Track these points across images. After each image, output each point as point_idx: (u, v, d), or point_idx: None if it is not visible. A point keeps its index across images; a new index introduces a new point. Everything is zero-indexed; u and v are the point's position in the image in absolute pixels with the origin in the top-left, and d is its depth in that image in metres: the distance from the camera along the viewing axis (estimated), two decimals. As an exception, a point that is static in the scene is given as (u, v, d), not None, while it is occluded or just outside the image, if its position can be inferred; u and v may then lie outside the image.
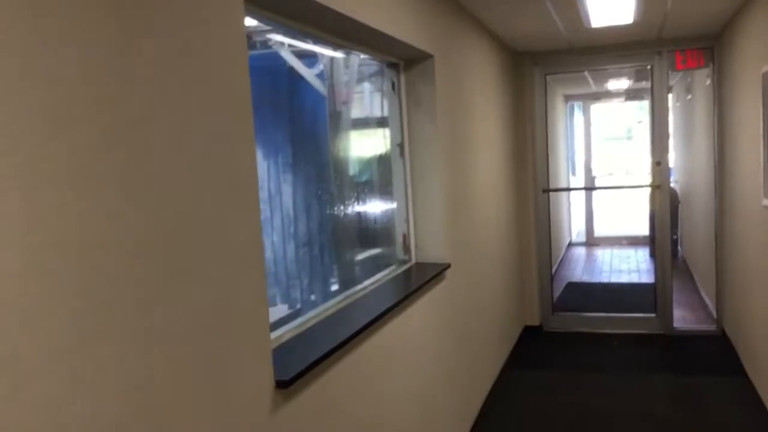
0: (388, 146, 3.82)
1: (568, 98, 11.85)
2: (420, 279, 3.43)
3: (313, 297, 4.08)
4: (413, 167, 3.77)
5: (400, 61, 3.67)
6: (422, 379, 3.38)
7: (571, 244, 11.71)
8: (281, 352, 2.15)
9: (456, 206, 4.06)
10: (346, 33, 2.92)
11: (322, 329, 2.54)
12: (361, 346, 2.61)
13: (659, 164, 6.22)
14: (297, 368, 1.94)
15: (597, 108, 12.96)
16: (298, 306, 4.73)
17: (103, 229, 1.31)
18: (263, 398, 1.82)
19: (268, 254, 5.86)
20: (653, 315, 6.39)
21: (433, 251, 3.81)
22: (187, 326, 1.55)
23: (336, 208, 3.86)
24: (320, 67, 5.62)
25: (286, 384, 1.85)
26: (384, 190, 3.92)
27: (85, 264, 1.26)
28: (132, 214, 1.39)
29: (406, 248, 3.79)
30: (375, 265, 3.67)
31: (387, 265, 3.72)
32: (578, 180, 12.48)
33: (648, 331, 6.34)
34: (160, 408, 1.45)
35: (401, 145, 3.74)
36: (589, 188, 12.04)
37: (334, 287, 3.64)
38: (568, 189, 11.89)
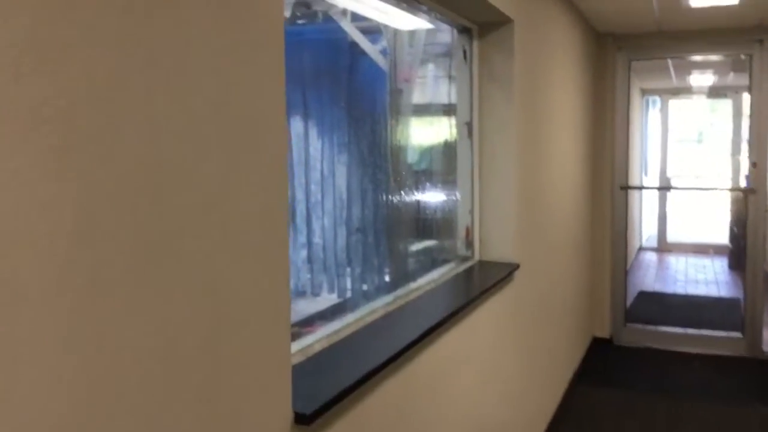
0: (453, 130, 3.31)
1: (644, 92, 11.08)
2: (485, 280, 2.92)
3: (364, 287, 3.74)
4: (482, 150, 3.25)
5: (473, 26, 3.15)
6: (482, 400, 2.86)
7: (641, 249, 10.96)
8: (308, 370, 1.66)
9: (528, 198, 3.52)
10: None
11: (365, 338, 2.05)
12: (412, 362, 2.10)
13: (755, 165, 5.53)
14: (325, 396, 1.45)
15: (675, 104, 12.10)
16: (348, 296, 4.45)
17: (30, 190, 0.83)
18: (274, 439, 1.33)
19: (317, 239, 5.48)
20: (739, 335, 5.70)
21: (500, 248, 3.27)
22: (164, 336, 1.07)
23: (392, 195, 3.41)
24: (383, 43, 5.20)
25: (308, 419, 1.37)
26: (445, 180, 3.44)
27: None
28: (76, 166, 0.91)
29: (469, 243, 3.27)
30: (432, 260, 3.16)
31: (446, 261, 3.21)
32: (652, 181, 11.70)
33: (733, 353, 5.66)
34: (110, 459, 0.97)
35: (470, 125, 3.22)
36: (673, 188, 11.26)
37: (386, 278, 3.18)
38: (649, 187, 11.08)
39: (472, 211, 3.25)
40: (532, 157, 3.58)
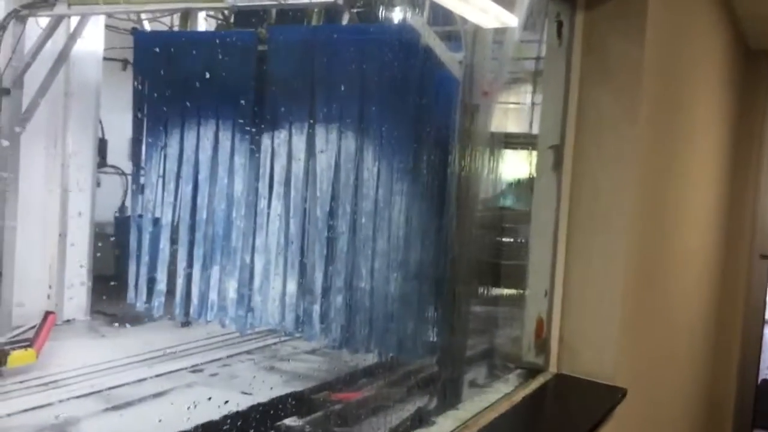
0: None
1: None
2: (568, 422, 1.62)
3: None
4: (576, 192, 1.95)
5: (578, -14, 1.88)
6: None
7: (765, 322, 9.16)
8: None
9: (646, 275, 2.20)
10: None
11: None
12: None
13: None
14: None
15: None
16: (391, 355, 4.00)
17: None
18: None
19: (363, 284, 4.72)
20: None
21: (595, 359, 1.96)
22: None
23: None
24: (463, 53, 4.21)
25: None
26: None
27: None
28: None
29: (541, 345, 1.96)
30: (474, 374, 1.89)
31: (502, 371, 1.94)
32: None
33: None
34: None
35: (558, 150, 1.94)
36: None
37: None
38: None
39: (550, 293, 1.95)
40: (656, 208, 2.26)
